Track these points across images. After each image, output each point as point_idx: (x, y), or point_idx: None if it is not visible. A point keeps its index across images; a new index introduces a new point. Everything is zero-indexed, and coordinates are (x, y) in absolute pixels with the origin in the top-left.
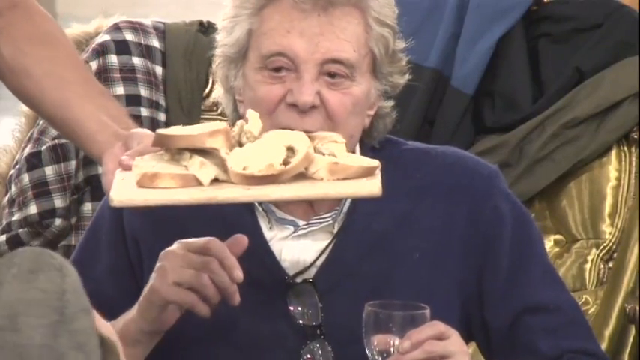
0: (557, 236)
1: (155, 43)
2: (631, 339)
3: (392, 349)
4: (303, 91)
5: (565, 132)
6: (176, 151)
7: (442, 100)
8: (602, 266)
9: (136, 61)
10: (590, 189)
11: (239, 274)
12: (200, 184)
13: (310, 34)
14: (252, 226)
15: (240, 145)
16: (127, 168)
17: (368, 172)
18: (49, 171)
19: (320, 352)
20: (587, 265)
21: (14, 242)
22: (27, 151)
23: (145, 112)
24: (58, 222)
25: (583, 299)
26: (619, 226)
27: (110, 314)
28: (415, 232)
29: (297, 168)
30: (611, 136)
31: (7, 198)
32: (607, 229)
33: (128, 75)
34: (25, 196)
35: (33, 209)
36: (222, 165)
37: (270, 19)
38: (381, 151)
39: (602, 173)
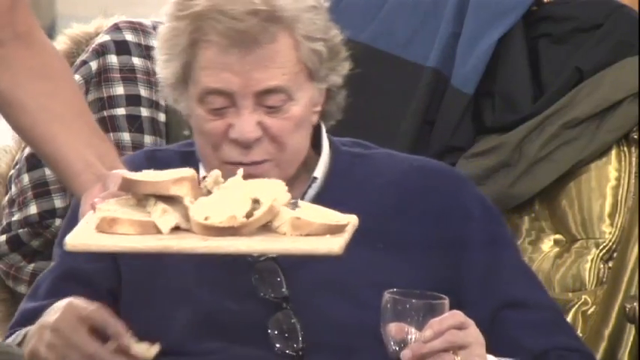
0: (557, 236)
1: (155, 43)
2: (631, 339)
3: (409, 337)
4: (244, 127)
5: (565, 132)
6: (143, 196)
7: (442, 100)
8: (602, 266)
9: (136, 61)
10: (590, 189)
11: (126, 341)
12: (160, 231)
13: (242, 71)
14: None
15: (210, 193)
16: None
17: (333, 230)
18: (49, 171)
19: (286, 323)
20: (587, 265)
21: (14, 242)
22: (27, 151)
23: (144, 112)
24: (58, 222)
25: (583, 299)
26: (619, 226)
27: (89, 288)
28: (380, 225)
29: (260, 221)
30: (611, 136)
31: (7, 198)
32: (607, 229)
33: (128, 75)
34: (25, 196)
35: (33, 209)
36: (185, 213)
37: (204, 55)
38: (351, 149)
39: (602, 173)
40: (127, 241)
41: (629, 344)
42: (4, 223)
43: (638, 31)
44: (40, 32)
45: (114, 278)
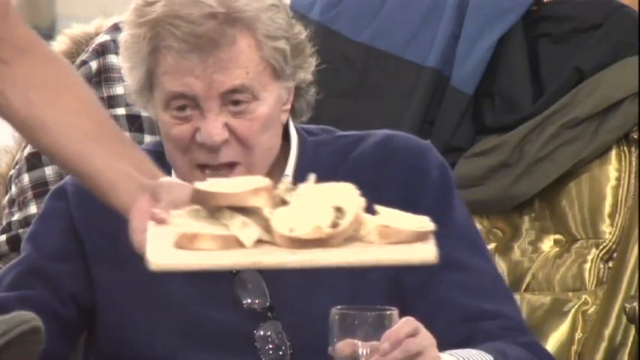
0: (557, 236)
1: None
2: (631, 339)
3: (360, 351)
4: (210, 131)
5: (565, 132)
6: (215, 208)
7: (442, 100)
8: (602, 266)
9: None
10: (590, 189)
11: None
12: (242, 245)
13: (204, 75)
14: None
15: (284, 202)
16: (161, 222)
17: (420, 237)
18: (49, 171)
19: (273, 333)
20: (587, 265)
21: (14, 242)
22: (27, 151)
23: (144, 111)
24: None
25: (583, 299)
26: (619, 226)
27: (51, 288)
28: None
29: (347, 232)
30: (611, 136)
31: (7, 198)
32: (607, 229)
33: None
34: (25, 196)
35: (33, 209)
36: (265, 224)
37: (165, 61)
38: (318, 136)
39: (602, 173)
40: (213, 258)
41: (629, 344)
42: (4, 223)
43: (638, 31)
44: (42, 44)
45: (79, 282)
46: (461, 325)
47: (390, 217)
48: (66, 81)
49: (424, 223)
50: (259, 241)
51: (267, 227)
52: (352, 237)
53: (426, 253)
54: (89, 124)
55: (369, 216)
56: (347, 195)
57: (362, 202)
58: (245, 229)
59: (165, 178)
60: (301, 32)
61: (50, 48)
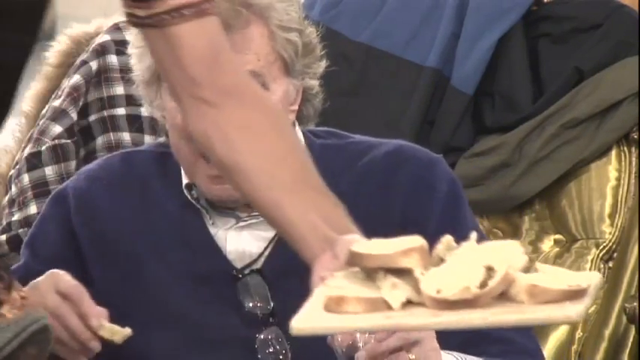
0: (557, 236)
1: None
2: (631, 339)
3: (359, 338)
4: None
5: (565, 132)
6: (371, 269)
7: (442, 100)
8: (602, 266)
9: None
10: (590, 189)
11: (94, 322)
12: (389, 307)
13: None
14: (196, 222)
15: (442, 261)
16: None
17: (569, 296)
18: (49, 171)
19: (274, 339)
20: (587, 265)
21: (14, 242)
22: (27, 151)
23: (145, 111)
24: None
25: None
26: (619, 226)
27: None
28: (355, 217)
29: (495, 291)
30: (611, 136)
31: (7, 198)
32: (607, 229)
33: (128, 75)
34: (25, 196)
35: (33, 209)
36: (416, 285)
37: None
38: (326, 139)
39: (602, 173)
40: (354, 321)
41: (629, 344)
42: (4, 223)
43: (638, 31)
44: (251, 86)
45: None
46: (465, 349)
47: (545, 275)
48: (270, 127)
49: (580, 280)
50: (409, 302)
51: (418, 288)
52: (503, 296)
53: (569, 312)
54: (286, 173)
55: (521, 274)
56: (504, 253)
57: (520, 260)
58: (394, 290)
59: (348, 235)
60: (313, 33)
61: (262, 93)
